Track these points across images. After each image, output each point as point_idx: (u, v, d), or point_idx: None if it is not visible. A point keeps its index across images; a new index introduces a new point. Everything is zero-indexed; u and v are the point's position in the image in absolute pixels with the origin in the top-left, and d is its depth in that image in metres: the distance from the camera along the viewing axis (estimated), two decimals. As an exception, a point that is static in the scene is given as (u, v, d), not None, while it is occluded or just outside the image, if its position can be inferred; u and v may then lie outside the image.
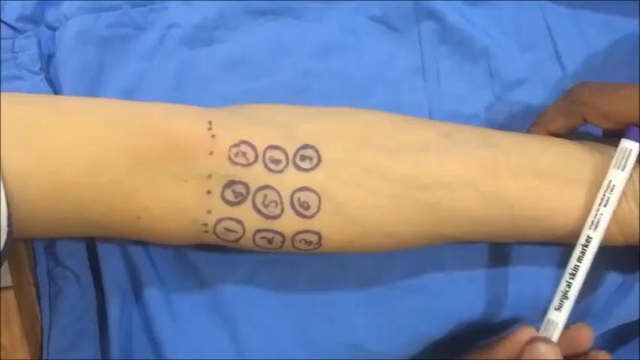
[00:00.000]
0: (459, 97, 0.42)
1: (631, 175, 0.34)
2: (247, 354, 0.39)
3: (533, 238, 0.37)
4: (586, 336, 0.35)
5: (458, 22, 0.42)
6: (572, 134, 0.37)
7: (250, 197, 0.33)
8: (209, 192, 0.33)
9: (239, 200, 0.33)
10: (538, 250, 0.40)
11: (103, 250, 0.39)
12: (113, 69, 0.40)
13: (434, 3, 0.42)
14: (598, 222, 0.34)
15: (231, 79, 0.41)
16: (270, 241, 0.34)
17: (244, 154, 0.33)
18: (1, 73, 0.39)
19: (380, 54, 0.42)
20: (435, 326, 0.40)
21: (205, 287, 0.39)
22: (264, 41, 0.42)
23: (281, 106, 0.36)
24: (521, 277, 0.40)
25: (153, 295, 0.39)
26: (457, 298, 0.40)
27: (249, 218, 0.33)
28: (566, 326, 0.35)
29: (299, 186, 0.33)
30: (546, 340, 0.34)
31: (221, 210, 0.33)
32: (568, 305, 0.34)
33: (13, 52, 0.39)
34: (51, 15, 0.40)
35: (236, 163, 0.33)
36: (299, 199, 0.33)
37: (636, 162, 0.34)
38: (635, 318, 0.41)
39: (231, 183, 0.33)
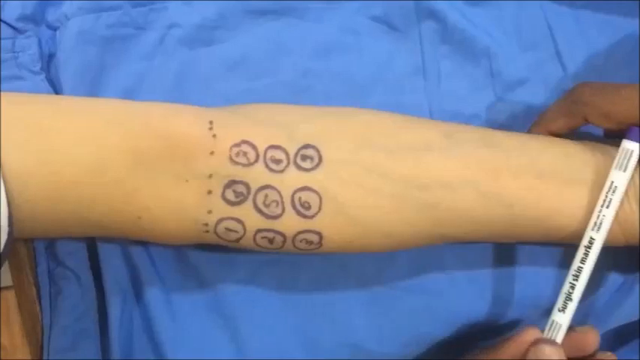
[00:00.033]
0: (459, 97, 0.42)
1: (632, 176, 0.34)
2: (248, 354, 0.39)
3: (534, 238, 0.37)
4: (592, 339, 0.35)
5: (459, 22, 0.42)
6: (573, 134, 0.37)
7: (251, 197, 0.33)
8: (210, 192, 0.33)
9: (240, 200, 0.33)
10: (539, 250, 0.40)
11: (103, 250, 0.39)
12: (113, 69, 0.40)
13: (435, 3, 0.42)
14: (600, 223, 0.34)
15: (232, 79, 0.41)
16: (271, 241, 0.34)
17: (245, 153, 0.33)
18: (2, 73, 0.39)
19: (381, 54, 0.42)
20: (435, 326, 0.40)
21: (206, 287, 0.39)
22: (264, 41, 0.42)
23: (282, 106, 0.36)
24: (521, 277, 0.40)
25: (153, 295, 0.39)
26: (457, 298, 0.40)
27: (250, 218, 0.33)
28: (571, 327, 0.35)
29: (300, 186, 0.33)
30: (550, 342, 0.34)
31: (222, 210, 0.33)
32: (572, 306, 0.34)
33: (14, 52, 0.39)
34: (51, 15, 0.40)
35: (237, 163, 0.33)
36: (300, 199, 0.33)
37: (638, 163, 0.34)
38: (636, 318, 0.41)
39: (232, 183, 0.33)
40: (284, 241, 0.34)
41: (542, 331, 0.35)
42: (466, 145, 0.35)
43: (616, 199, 0.34)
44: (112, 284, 0.39)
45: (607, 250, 0.35)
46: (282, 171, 0.33)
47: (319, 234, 0.34)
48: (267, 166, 0.33)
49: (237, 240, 0.34)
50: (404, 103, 0.41)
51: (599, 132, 0.38)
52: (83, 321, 0.39)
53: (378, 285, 0.40)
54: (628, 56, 0.42)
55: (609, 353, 0.35)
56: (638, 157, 0.34)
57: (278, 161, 0.33)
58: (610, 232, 0.34)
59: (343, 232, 0.34)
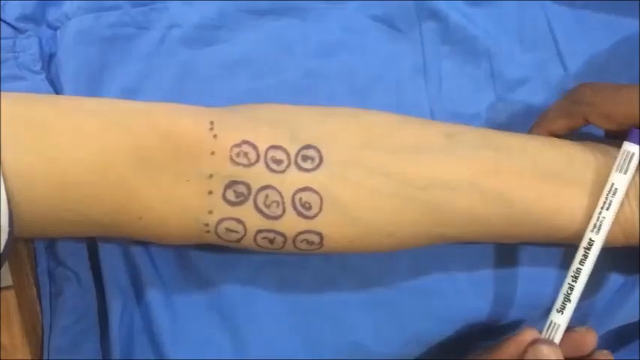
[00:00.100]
0: (460, 97, 0.42)
1: (633, 177, 0.34)
2: (248, 354, 0.39)
3: (534, 238, 0.37)
4: (590, 339, 0.35)
5: (460, 22, 0.42)
6: (574, 135, 0.37)
7: (252, 197, 0.33)
8: (210, 192, 0.33)
9: (240, 200, 0.33)
10: (539, 251, 0.40)
11: (104, 250, 0.39)
12: (114, 69, 0.40)
13: (436, 3, 0.42)
14: (600, 225, 0.34)
15: (233, 79, 0.41)
16: (271, 241, 0.34)
17: (246, 154, 0.33)
18: (2, 72, 0.39)
19: (382, 54, 0.42)
20: (436, 326, 0.40)
21: (206, 287, 0.39)
22: (265, 41, 0.42)
23: (283, 106, 0.36)
24: (522, 278, 0.40)
25: (154, 295, 0.39)
26: (458, 298, 0.40)
27: (251, 218, 0.33)
28: (569, 328, 0.35)
29: (301, 186, 0.33)
30: (548, 342, 0.34)
31: (222, 210, 0.33)
32: (570, 307, 0.35)
33: (14, 52, 0.39)
34: (52, 14, 0.40)
35: (238, 163, 0.33)
36: (300, 199, 0.33)
37: (639, 164, 0.34)
38: (636, 319, 0.41)
39: (232, 183, 0.33)
40: (285, 242, 0.34)
41: (541, 331, 0.35)
42: (467, 145, 0.35)
43: (616, 201, 0.34)
44: (112, 284, 0.39)
45: (607, 251, 0.35)
46: (282, 171, 0.33)
47: (320, 234, 0.33)
48: (267, 166, 0.33)
49: (238, 240, 0.34)
50: (405, 103, 0.41)
51: (600, 132, 0.38)
52: (83, 321, 0.39)
53: (378, 285, 0.40)
54: (629, 56, 0.43)
55: (605, 352, 0.35)
56: (638, 159, 0.34)
57: (279, 161, 0.33)
58: (610, 232, 0.34)
59: (344, 232, 0.34)
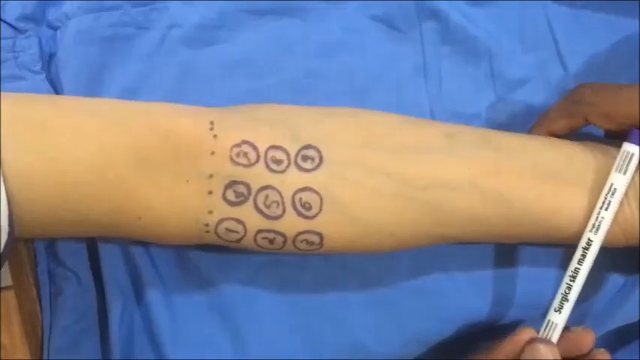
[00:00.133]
0: (460, 97, 0.42)
1: (633, 177, 0.34)
2: (248, 354, 0.39)
3: (534, 238, 0.37)
4: (588, 339, 0.35)
5: (460, 22, 0.42)
6: (574, 135, 0.37)
7: (252, 197, 0.33)
8: (210, 192, 0.33)
9: (240, 200, 0.33)
10: (539, 251, 0.40)
11: (104, 250, 0.39)
12: (114, 68, 0.40)
13: (436, 3, 0.42)
14: (599, 225, 0.34)
15: (233, 79, 0.41)
16: (271, 241, 0.34)
17: (246, 154, 0.33)
18: (2, 72, 0.39)
19: (382, 54, 0.42)
20: (436, 326, 0.40)
21: (206, 288, 0.39)
22: (265, 41, 0.42)
23: (283, 106, 0.36)
24: (522, 278, 0.40)
25: (154, 295, 0.39)
26: (458, 298, 0.40)
27: (251, 218, 0.33)
28: (567, 328, 0.35)
29: (301, 186, 0.33)
30: (546, 341, 0.34)
31: (222, 210, 0.33)
32: (568, 307, 0.35)
33: (14, 52, 0.39)
34: (52, 14, 0.40)
35: (237, 164, 0.33)
36: (300, 199, 0.33)
37: (638, 165, 0.34)
38: (636, 319, 0.41)
39: (232, 183, 0.33)
40: (285, 242, 0.34)
41: (538, 330, 0.35)
42: (467, 145, 0.35)
43: (615, 201, 0.34)
44: (112, 284, 0.39)
45: (607, 252, 0.35)
46: (282, 171, 0.33)
47: (320, 234, 0.33)
48: (267, 166, 0.33)
49: (238, 240, 0.34)
50: (405, 103, 0.41)
51: (600, 132, 0.38)
52: (83, 321, 0.39)
53: (378, 285, 0.40)
54: (629, 56, 0.43)
55: (602, 350, 0.35)
56: (638, 159, 0.34)
57: (279, 161, 0.33)
58: (610, 233, 0.34)
59: (344, 232, 0.34)
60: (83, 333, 0.39)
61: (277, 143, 0.33)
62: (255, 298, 0.39)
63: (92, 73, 0.39)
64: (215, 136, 0.33)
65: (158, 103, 0.34)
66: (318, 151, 0.33)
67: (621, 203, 0.34)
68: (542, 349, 0.34)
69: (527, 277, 0.40)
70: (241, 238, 0.34)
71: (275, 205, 0.33)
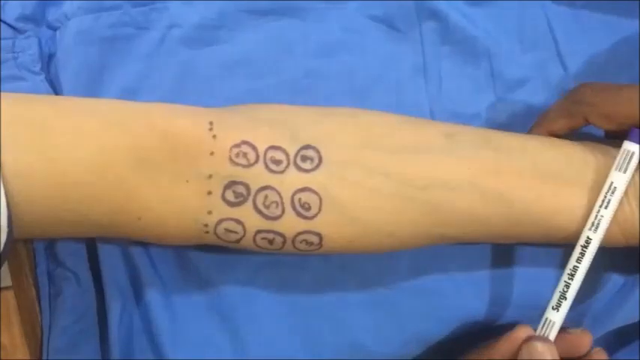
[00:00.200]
0: (460, 98, 0.42)
1: (632, 177, 0.34)
2: (248, 354, 0.39)
3: (534, 238, 0.37)
4: (586, 341, 0.35)
5: (459, 22, 0.42)
6: (574, 135, 0.37)
7: (251, 198, 0.33)
8: (210, 192, 0.33)
9: (240, 201, 0.33)
10: (539, 251, 0.40)
11: (103, 250, 0.39)
12: (114, 69, 0.40)
13: (436, 3, 0.42)
14: (598, 223, 0.34)
15: (233, 79, 0.41)
16: (270, 241, 0.34)
17: (245, 154, 0.33)
18: (2, 73, 0.39)
19: (382, 54, 0.42)
20: (436, 327, 0.40)
21: (206, 288, 0.39)
22: (265, 41, 0.42)
23: (282, 107, 0.36)
24: (522, 278, 0.40)
25: (153, 295, 0.39)
26: (458, 298, 0.40)
27: (250, 219, 0.33)
28: (566, 329, 0.35)
29: (300, 186, 0.33)
30: (543, 339, 0.34)
31: (222, 210, 0.33)
32: (566, 305, 0.35)
33: (14, 53, 0.39)
34: (52, 15, 0.40)
35: (237, 164, 0.33)
36: (300, 199, 0.33)
37: (638, 164, 0.34)
38: (636, 320, 0.41)
39: (231, 183, 0.33)
40: (284, 242, 0.34)
41: (536, 329, 0.35)
42: (466, 145, 0.35)
43: (615, 199, 0.34)
44: (111, 285, 0.39)
45: (607, 252, 0.35)
46: (282, 172, 0.33)
47: (319, 235, 0.33)
48: (267, 166, 0.33)
49: (237, 241, 0.34)
50: (405, 103, 0.41)
51: (600, 132, 0.38)
52: (83, 321, 0.39)
53: (378, 285, 0.40)
54: (629, 56, 0.42)
55: (598, 349, 0.36)
56: (638, 158, 0.34)
57: (278, 162, 0.33)
58: (609, 232, 0.34)
59: (343, 232, 0.34)
60: (82, 333, 0.39)
61: (276, 143, 0.33)
62: (254, 299, 0.39)
63: (92, 73, 0.39)
64: (214, 136, 0.33)
65: (157, 103, 0.34)
66: (318, 152, 0.33)
67: (621, 202, 0.34)
68: (540, 347, 0.34)
69: (526, 277, 0.40)
70: (240, 239, 0.34)
71: (274, 205, 0.33)
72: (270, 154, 0.33)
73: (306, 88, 0.41)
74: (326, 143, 0.33)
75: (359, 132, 0.34)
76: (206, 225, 0.33)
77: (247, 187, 0.33)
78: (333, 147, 0.33)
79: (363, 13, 0.43)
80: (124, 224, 0.33)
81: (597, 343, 0.41)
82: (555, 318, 0.35)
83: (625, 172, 0.34)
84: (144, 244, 0.39)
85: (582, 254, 0.34)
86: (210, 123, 0.33)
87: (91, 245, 0.39)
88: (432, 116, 0.41)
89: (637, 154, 0.34)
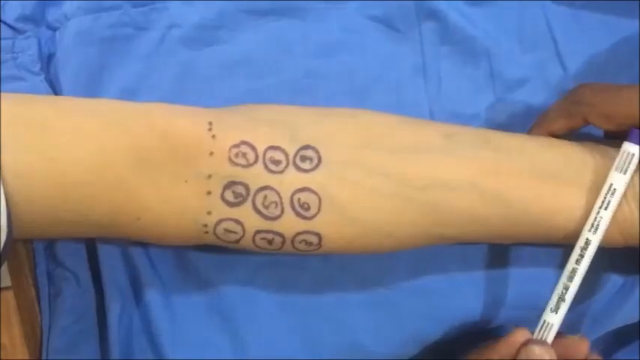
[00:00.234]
0: (460, 98, 0.42)
1: (632, 178, 0.34)
2: (247, 355, 0.39)
3: (533, 238, 0.37)
4: (583, 348, 0.35)
5: (459, 23, 0.42)
6: (573, 135, 0.37)
7: (250, 198, 0.33)
8: (209, 193, 0.33)
9: (239, 201, 0.33)
10: (538, 252, 0.40)
11: (103, 250, 0.39)
12: (113, 69, 0.40)
13: (435, 3, 0.42)
14: (598, 225, 0.34)
15: (233, 79, 0.41)
16: (270, 242, 0.34)
17: (244, 154, 0.33)
18: (1, 73, 0.39)
19: (382, 54, 0.42)
20: (435, 327, 0.40)
21: (205, 288, 0.39)
22: (265, 41, 0.42)
23: (282, 107, 0.36)
24: (521, 278, 0.40)
25: (153, 296, 0.39)
26: (457, 299, 0.40)
27: (249, 219, 0.33)
28: (562, 334, 0.35)
29: (299, 187, 0.33)
30: (541, 342, 0.34)
31: (221, 211, 0.33)
32: (564, 307, 0.34)
33: (13, 53, 0.39)
34: (51, 15, 0.40)
35: (236, 164, 0.33)
36: (299, 199, 0.33)
37: (638, 165, 0.34)
38: (636, 320, 0.41)
39: (231, 184, 0.33)
40: (283, 242, 0.34)
41: (533, 331, 0.35)
42: (465, 145, 0.35)
43: (614, 201, 0.34)
44: (111, 285, 0.39)
45: (606, 252, 0.35)
46: (281, 172, 0.33)
47: (318, 235, 0.33)
48: (266, 166, 0.33)
49: (237, 241, 0.34)
50: (404, 103, 0.41)
51: (600, 133, 0.38)
52: (82, 322, 0.39)
53: (377, 286, 0.40)
54: (628, 57, 0.42)
55: (595, 354, 0.35)
56: (638, 159, 0.34)
57: (277, 162, 0.33)
58: (608, 232, 0.34)
59: (342, 232, 0.34)
60: (82, 334, 0.39)
61: (276, 144, 0.33)
62: (254, 299, 0.39)
63: (91, 73, 0.39)
64: (214, 136, 0.33)
65: (157, 103, 0.34)
66: (317, 152, 0.33)
67: (620, 203, 0.34)
68: (537, 350, 0.34)
69: (526, 277, 0.40)
70: (240, 239, 0.34)
71: (273, 205, 0.33)
72: (270, 154, 0.33)
73: (306, 88, 0.41)
74: (325, 143, 0.33)
75: (358, 132, 0.34)
76: (205, 225, 0.33)
77: (246, 187, 0.33)
78: (332, 147, 0.33)
79: (363, 14, 0.43)
80: (123, 224, 0.33)
81: (597, 343, 0.41)
82: (553, 320, 0.35)
83: (625, 173, 0.34)
84: (143, 245, 0.39)
85: (581, 256, 0.34)
86: (210, 123, 0.33)
87: (91, 245, 0.39)
88: (432, 116, 0.41)
89: (637, 155, 0.34)
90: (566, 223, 0.35)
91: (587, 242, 0.34)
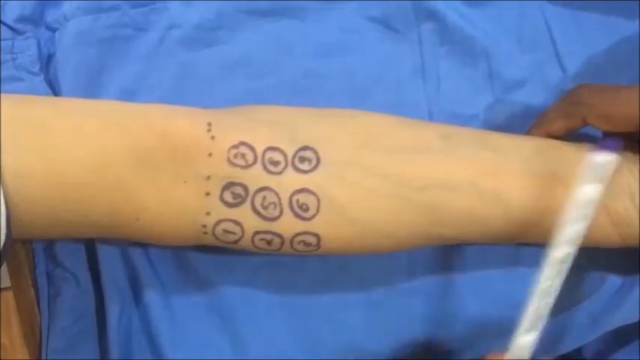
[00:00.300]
0: (458, 98, 0.42)
1: (627, 177, 0.34)
2: (247, 355, 0.39)
3: (532, 238, 0.37)
4: None
5: (458, 23, 0.42)
6: (572, 136, 0.37)
7: (249, 199, 0.33)
8: (208, 193, 0.33)
9: (238, 202, 0.33)
10: (537, 252, 0.40)
11: (102, 251, 0.39)
12: (113, 70, 0.40)
13: (434, 3, 0.42)
14: (572, 239, 0.32)
15: (233, 79, 0.41)
16: (269, 242, 0.34)
17: (243, 155, 0.33)
18: (1, 74, 0.39)
19: (381, 54, 0.42)
20: (435, 328, 0.40)
21: (205, 289, 0.39)
22: (264, 42, 0.42)
23: (281, 108, 0.36)
24: (521, 279, 0.40)
25: (152, 296, 0.39)
26: (456, 299, 0.40)
27: (248, 220, 0.33)
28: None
29: (298, 187, 0.33)
30: None
31: (220, 211, 0.33)
32: (538, 326, 0.32)
33: (13, 54, 0.39)
34: (51, 16, 0.40)
35: (235, 165, 0.33)
36: (298, 200, 0.33)
37: (636, 161, 0.34)
38: (636, 320, 0.41)
39: (230, 184, 0.33)
40: (282, 243, 0.34)
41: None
42: (464, 146, 0.35)
43: (588, 212, 0.32)
44: (110, 286, 0.39)
45: (604, 252, 0.35)
46: (280, 173, 0.33)
47: (317, 236, 0.33)
48: (265, 167, 0.33)
49: (236, 242, 0.34)
50: (404, 104, 0.41)
51: (598, 134, 0.38)
52: (82, 322, 0.39)
53: (376, 286, 0.40)
54: (628, 57, 0.42)
55: None
56: (612, 167, 0.33)
57: (276, 163, 0.33)
58: (605, 233, 0.34)
59: (341, 233, 0.34)
60: (81, 334, 0.39)
61: (275, 144, 0.33)
62: (253, 299, 0.39)
63: (91, 74, 0.40)
64: (213, 137, 0.33)
65: (156, 104, 0.35)
66: (316, 152, 0.33)
67: (615, 203, 0.34)
68: None
69: (526, 278, 0.39)
70: (239, 240, 0.34)
71: (272, 206, 0.33)
72: (269, 155, 0.33)
73: (306, 89, 0.41)
74: (324, 144, 0.33)
75: (357, 132, 0.34)
76: (204, 226, 0.33)
77: (245, 188, 0.33)
78: (331, 148, 0.33)
79: (362, 14, 0.43)
80: (123, 225, 0.33)
81: (596, 343, 0.41)
82: (527, 340, 0.32)
83: (596, 183, 0.32)
84: (143, 245, 0.39)
85: (555, 271, 0.32)
86: (209, 124, 0.33)
87: (90, 246, 0.39)
88: (431, 117, 0.41)
89: (609, 163, 0.33)
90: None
91: (561, 256, 0.32)
